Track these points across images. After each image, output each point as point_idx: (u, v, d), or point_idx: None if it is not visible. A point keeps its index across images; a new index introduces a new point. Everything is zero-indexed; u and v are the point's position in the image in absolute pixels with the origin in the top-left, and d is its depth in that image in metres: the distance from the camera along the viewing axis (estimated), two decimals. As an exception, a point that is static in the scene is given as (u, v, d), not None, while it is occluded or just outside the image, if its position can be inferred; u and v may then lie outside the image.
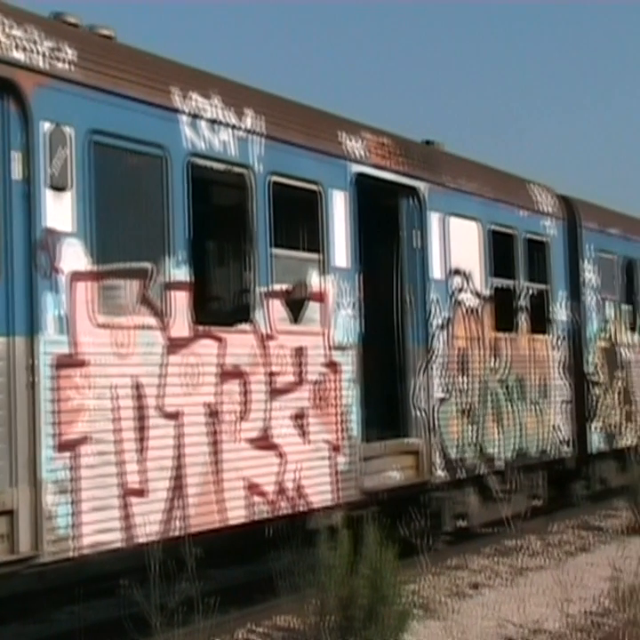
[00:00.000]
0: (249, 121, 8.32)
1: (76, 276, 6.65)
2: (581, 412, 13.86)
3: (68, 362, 6.55)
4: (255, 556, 8.64)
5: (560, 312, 13.52)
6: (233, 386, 7.86)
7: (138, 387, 7.03)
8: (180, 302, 7.45)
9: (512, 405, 12.02)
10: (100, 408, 6.73)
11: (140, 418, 7.02)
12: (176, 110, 7.63)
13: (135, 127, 7.23)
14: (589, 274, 14.46)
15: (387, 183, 10.23)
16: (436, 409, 10.44)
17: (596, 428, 14.15)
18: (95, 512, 6.61)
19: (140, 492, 6.95)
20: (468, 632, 7.72)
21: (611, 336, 14.98)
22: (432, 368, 10.45)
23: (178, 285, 7.45)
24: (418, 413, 10.32)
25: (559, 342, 13.38)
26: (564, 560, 10.78)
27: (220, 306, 9.60)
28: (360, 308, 9.62)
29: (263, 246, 8.32)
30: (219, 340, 7.80)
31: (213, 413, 7.63)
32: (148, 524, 6.95)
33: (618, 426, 14.85)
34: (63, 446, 6.45)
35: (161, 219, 7.41)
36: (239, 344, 7.97)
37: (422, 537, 9.01)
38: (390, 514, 9.46)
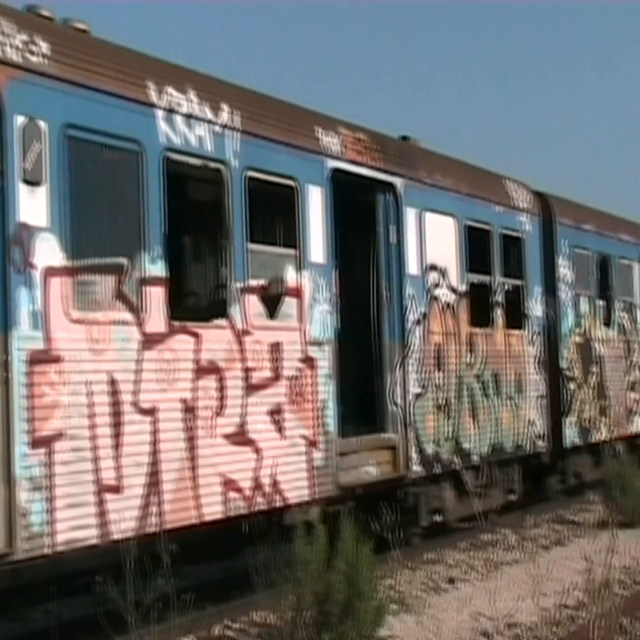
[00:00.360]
0: (225, 116, 8.29)
1: (51, 272, 6.60)
2: (556, 406, 13.94)
3: (43, 358, 6.50)
4: (231, 551, 8.62)
5: (535, 308, 13.59)
6: (209, 381, 7.84)
7: (113, 382, 6.99)
8: (156, 298, 7.42)
9: (488, 400, 12.07)
10: (75, 404, 6.68)
11: (116, 414, 6.98)
12: (152, 105, 7.59)
13: (110, 122, 7.18)
14: (564, 270, 14.54)
15: (363, 179, 10.23)
16: (412, 404, 10.47)
17: (570, 423, 14.24)
18: (70, 509, 6.57)
19: (116, 489, 6.92)
20: (443, 626, 7.75)
21: (585, 331, 15.07)
22: (408, 363, 10.47)
23: (153, 281, 7.42)
24: (394, 408, 10.34)
25: (534, 338, 13.45)
26: (538, 554, 10.84)
27: (195, 301, 9.56)
28: (336, 303, 9.62)
29: (239, 242, 8.29)
30: (195, 335, 7.77)
31: (189, 409, 7.61)
32: (124, 520, 6.92)
33: (592, 420, 14.96)
34: (37, 443, 6.40)
35: (136, 214, 7.37)
36: (215, 339, 7.95)
37: (397, 532, 9.02)
38: (367, 509, 9.47)
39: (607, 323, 15.96)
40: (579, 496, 14.63)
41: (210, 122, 8.12)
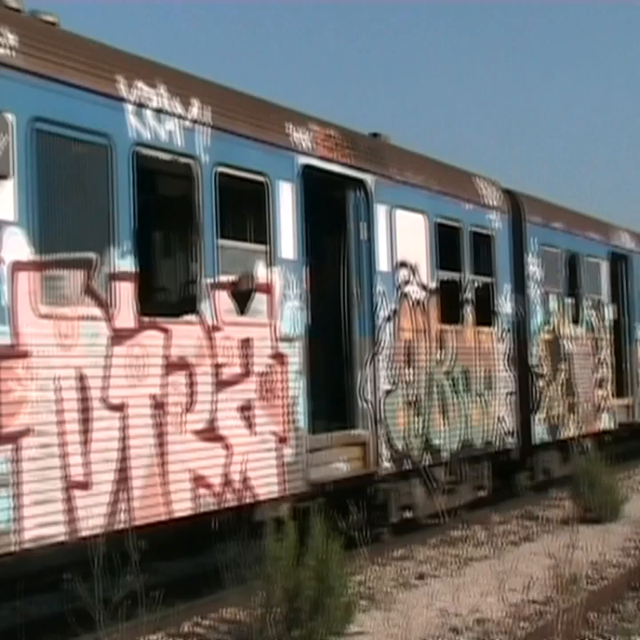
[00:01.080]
0: (195, 111, 8.25)
1: (18, 266, 6.53)
2: (525, 403, 14.02)
3: (10, 353, 6.44)
4: (201, 548, 8.60)
5: (505, 305, 13.65)
6: (179, 377, 7.79)
7: (82, 378, 6.93)
8: (125, 293, 7.37)
9: (457, 397, 12.11)
10: (43, 400, 6.62)
11: (84, 410, 6.92)
12: (121, 99, 7.53)
13: (79, 115, 7.12)
14: (533, 267, 14.62)
15: (334, 175, 10.22)
16: (382, 401, 10.48)
17: (539, 420, 14.32)
18: (37, 506, 6.51)
19: (84, 485, 6.86)
20: (412, 622, 7.76)
21: (554, 329, 15.16)
22: (378, 360, 10.48)
23: (123, 276, 7.37)
24: (364, 405, 10.35)
25: (504, 335, 13.51)
26: (507, 550, 10.89)
27: (165, 297, 9.52)
28: (307, 299, 9.61)
29: (209, 237, 8.25)
30: (164, 331, 7.72)
31: (159, 405, 7.56)
32: (92, 517, 6.87)
33: (561, 417, 15.05)
34: (4, 439, 6.33)
35: (106, 208, 7.31)
36: (185, 335, 7.91)
37: (367, 528, 9.04)
38: (337, 505, 9.48)
39: (575, 320, 16.07)
40: (547, 492, 14.72)
41: (180, 117, 8.07)
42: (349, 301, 10.58)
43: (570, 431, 15.28)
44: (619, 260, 18.26)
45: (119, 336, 7.29)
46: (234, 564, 7.21)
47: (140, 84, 7.72)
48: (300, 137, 9.62)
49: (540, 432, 14.29)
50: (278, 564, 7.01)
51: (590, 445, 15.67)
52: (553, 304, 15.22)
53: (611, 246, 17.87)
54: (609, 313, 17.45)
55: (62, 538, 6.71)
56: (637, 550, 10.56)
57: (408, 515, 11.24)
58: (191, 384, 7.91)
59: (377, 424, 10.37)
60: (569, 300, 15.90)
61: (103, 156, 7.33)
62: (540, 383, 14.47)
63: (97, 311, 7.16)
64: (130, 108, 7.60)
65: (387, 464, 10.51)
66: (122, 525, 7.08)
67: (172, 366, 7.73)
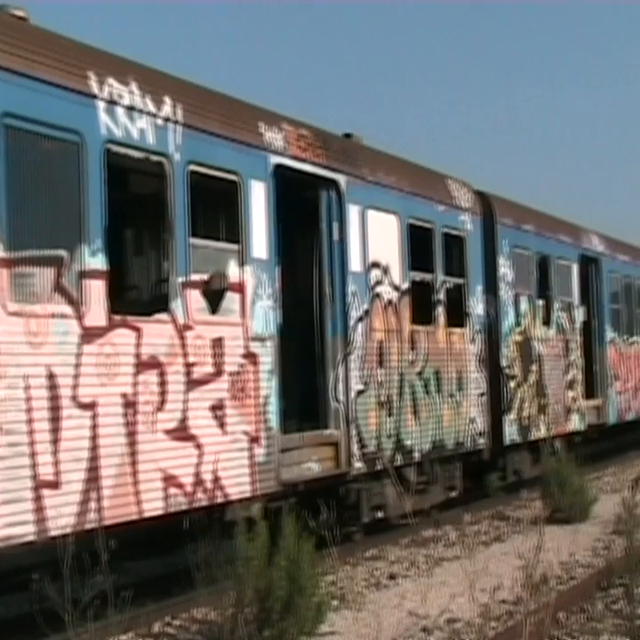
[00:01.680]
0: (167, 109, 8.21)
1: (-12, 263, 6.48)
2: (497, 404, 14.08)
3: (-21, 351, 6.38)
4: (172, 548, 8.56)
5: (476, 306, 13.70)
6: (150, 376, 7.75)
7: (51, 376, 6.87)
8: (96, 291, 7.31)
9: (429, 398, 12.14)
10: (12, 398, 6.56)
11: (54, 408, 6.86)
12: (92, 96, 7.48)
13: (50, 112, 7.07)
14: (505, 269, 14.70)
15: (306, 175, 10.22)
16: (354, 401, 10.48)
17: (510, 421, 14.39)
18: (6, 505, 6.44)
19: (54, 484, 6.80)
20: (384, 622, 7.75)
21: (525, 330, 15.25)
22: (351, 360, 10.48)
23: (93, 274, 7.31)
24: (336, 405, 10.34)
25: (476, 336, 13.56)
26: (478, 550, 10.92)
27: (137, 295, 9.46)
28: (279, 299, 9.59)
29: (181, 236, 8.21)
30: (135, 329, 7.68)
31: (130, 404, 7.52)
32: (62, 516, 6.81)
33: (532, 418, 15.13)
34: (-27, 437, 6.28)
35: (76, 206, 7.26)
36: (156, 334, 7.86)
37: (338, 528, 9.02)
38: (309, 505, 9.46)
39: (546, 322, 16.17)
40: (518, 493, 14.79)
41: (152, 114, 8.03)
42: (321, 301, 10.57)
43: (540, 432, 15.37)
44: (589, 263, 18.40)
45: (90, 334, 7.23)
46: (205, 564, 7.17)
47: (111, 81, 7.67)
48: (273, 136, 9.60)
49: (510, 433, 14.36)
50: (249, 564, 6.99)
51: (560, 446, 15.77)
52: (524, 306, 15.30)
53: (581, 249, 18.00)
54: (579, 315, 17.57)
55: (31, 537, 6.65)
56: (606, 550, 10.62)
57: (380, 515, 11.24)
58: (162, 383, 7.87)
59: (349, 424, 10.37)
60: (540, 302, 16.00)
61: (74, 153, 7.28)
62: (512, 384, 14.54)
63: (67, 309, 7.10)
64: (101, 105, 7.54)
65: (358, 464, 10.51)
66: (92, 525, 7.01)
67: (143, 365, 7.69)
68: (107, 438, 7.26)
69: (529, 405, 15.06)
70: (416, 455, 11.71)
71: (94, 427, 7.18)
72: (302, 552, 7.17)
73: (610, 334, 19.10)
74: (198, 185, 8.44)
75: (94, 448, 7.15)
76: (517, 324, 14.97)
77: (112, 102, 7.64)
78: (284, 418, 9.41)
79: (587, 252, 18.21)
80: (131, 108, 7.81)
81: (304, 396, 10.48)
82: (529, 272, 15.59)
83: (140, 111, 7.91)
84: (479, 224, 13.98)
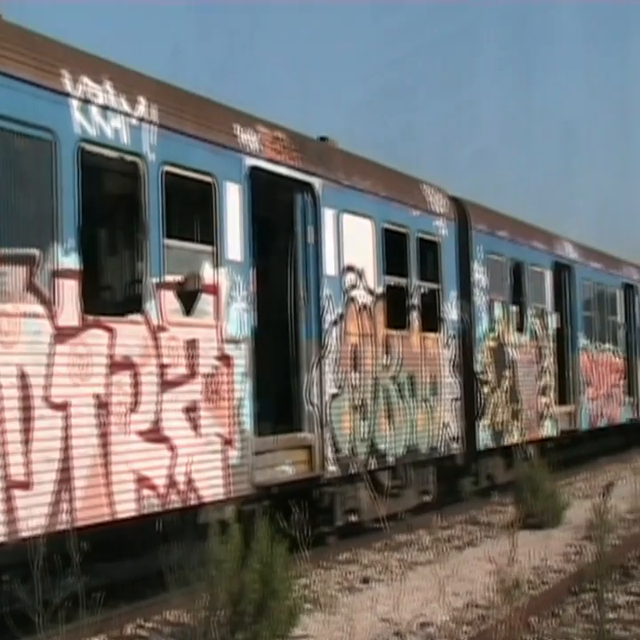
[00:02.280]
0: (142, 109, 8.17)
1: (-41, 261, 6.42)
2: (470, 409, 14.11)
3: (-50, 349, 6.32)
4: (145, 550, 8.50)
5: (451, 311, 13.73)
6: (123, 377, 7.69)
7: (23, 376, 6.80)
8: (69, 291, 7.25)
9: (403, 402, 12.14)
10: (-17, 397, 6.50)
11: (26, 408, 6.79)
12: (66, 94, 7.43)
13: (23, 109, 7.00)
14: (479, 275, 14.75)
15: (281, 178, 10.21)
16: (328, 404, 10.46)
17: (484, 426, 14.43)
18: (-24, 505, 6.39)
19: (25, 485, 6.72)
20: (357, 626, 7.73)
21: (499, 336, 15.30)
22: (325, 364, 10.47)
23: (66, 273, 7.25)
24: (310, 408, 10.32)
25: (450, 341, 13.58)
26: (451, 554, 10.93)
27: (110, 295, 9.40)
28: (253, 301, 9.57)
29: (156, 237, 8.17)
30: (109, 330, 7.62)
31: (103, 405, 7.45)
32: (33, 517, 6.73)
33: (505, 423, 15.18)
34: (-57, 437, 6.21)
35: (49, 205, 7.20)
36: (130, 335, 7.81)
37: (312, 532, 9.00)
38: (282, 508, 9.43)
39: (520, 328, 16.23)
40: (491, 498, 14.82)
41: (126, 114, 7.99)
42: (296, 304, 10.56)
43: (513, 437, 15.42)
44: (562, 270, 18.51)
45: (62, 334, 7.16)
46: (178, 566, 7.12)
47: (85, 80, 7.62)
48: (248, 138, 9.58)
49: (484, 438, 14.39)
50: (222, 566, 6.94)
51: (533, 452, 15.84)
52: (498, 312, 15.36)
53: (554, 256, 18.11)
54: (552, 322, 17.67)
55: (1, 538, 6.56)
56: (577, 556, 10.66)
57: (353, 518, 11.22)
58: (136, 384, 7.81)
59: (323, 427, 10.35)
60: (513, 308, 16.07)
61: (47, 152, 7.22)
62: (485, 390, 14.58)
63: (39, 308, 7.04)
64: (75, 103, 7.50)
65: (332, 468, 10.49)
66: (63, 526, 6.95)
67: (116, 366, 7.63)
68: (79, 439, 7.19)
69: (502, 411, 15.11)
70: (390, 459, 11.70)
71: (66, 427, 7.11)
72: (275, 555, 7.14)
73: (582, 341, 19.22)
74: (173, 186, 8.40)
75: (66, 449, 7.08)
76: (491, 329, 15.03)
77: (86, 101, 7.59)
78: (259, 420, 9.38)
79: (560, 259, 18.32)
80: (105, 108, 7.77)
81: (278, 399, 10.45)
82: (503, 278, 15.65)
83: (115, 110, 7.87)
84: (454, 229, 14.01)
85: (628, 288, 22.56)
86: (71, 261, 7.31)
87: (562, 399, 18.04)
